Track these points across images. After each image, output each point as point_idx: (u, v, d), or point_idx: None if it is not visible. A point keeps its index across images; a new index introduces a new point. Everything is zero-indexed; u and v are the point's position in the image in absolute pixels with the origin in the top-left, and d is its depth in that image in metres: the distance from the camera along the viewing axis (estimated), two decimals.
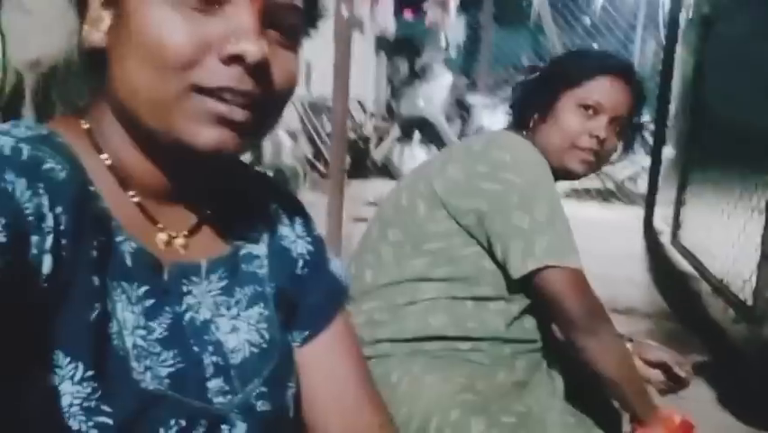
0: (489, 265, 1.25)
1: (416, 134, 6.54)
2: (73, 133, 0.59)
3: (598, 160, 1.32)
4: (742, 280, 2.65)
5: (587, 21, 7.08)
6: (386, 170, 6.48)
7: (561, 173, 1.34)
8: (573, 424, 1.29)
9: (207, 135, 0.55)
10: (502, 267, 1.23)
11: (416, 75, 7.07)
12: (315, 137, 5.74)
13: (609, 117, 1.30)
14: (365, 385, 0.77)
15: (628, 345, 1.35)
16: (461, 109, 6.81)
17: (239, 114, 0.56)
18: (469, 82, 7.79)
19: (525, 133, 1.36)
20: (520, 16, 7.78)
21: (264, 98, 0.57)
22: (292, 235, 0.75)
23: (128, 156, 0.60)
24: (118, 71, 0.57)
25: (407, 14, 8.03)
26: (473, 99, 6.98)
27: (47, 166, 0.53)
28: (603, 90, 1.30)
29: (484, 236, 1.24)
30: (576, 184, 6.39)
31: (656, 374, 1.36)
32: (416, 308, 1.26)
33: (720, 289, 2.95)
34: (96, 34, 0.58)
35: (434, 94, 6.65)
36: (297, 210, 0.77)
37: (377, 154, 6.67)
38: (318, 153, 5.73)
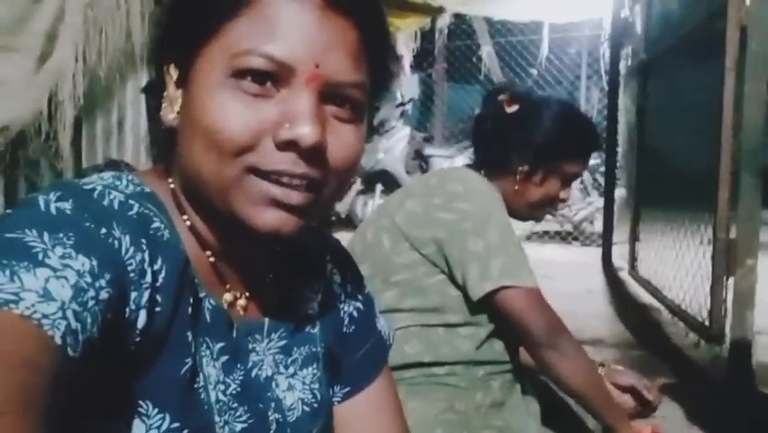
0: (454, 292, 1.30)
1: (378, 186, 6.70)
2: (163, 192, 0.61)
3: None
4: (698, 304, 2.79)
5: (534, 72, 7.44)
6: (349, 222, 6.60)
7: (523, 218, 1.44)
8: None
9: (266, 218, 0.56)
10: (465, 292, 1.28)
11: (375, 130, 7.26)
12: None
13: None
14: None
15: (600, 371, 1.41)
16: (420, 160, 7.01)
17: (295, 197, 0.56)
18: (426, 135, 8.04)
19: (486, 171, 1.41)
20: (471, 71, 8.14)
21: (321, 178, 0.57)
22: (343, 295, 0.76)
23: (198, 221, 0.62)
24: (185, 151, 0.58)
25: None
26: (431, 151, 7.20)
27: (154, 225, 0.55)
28: (585, 165, 1.44)
29: (445, 264, 1.29)
30: (536, 228, 6.61)
31: (627, 399, 1.42)
32: None
33: (679, 314, 3.07)
34: (171, 114, 0.60)
35: (393, 147, 6.83)
36: (349, 269, 0.79)
37: (340, 207, 6.78)
38: None
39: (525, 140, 1.38)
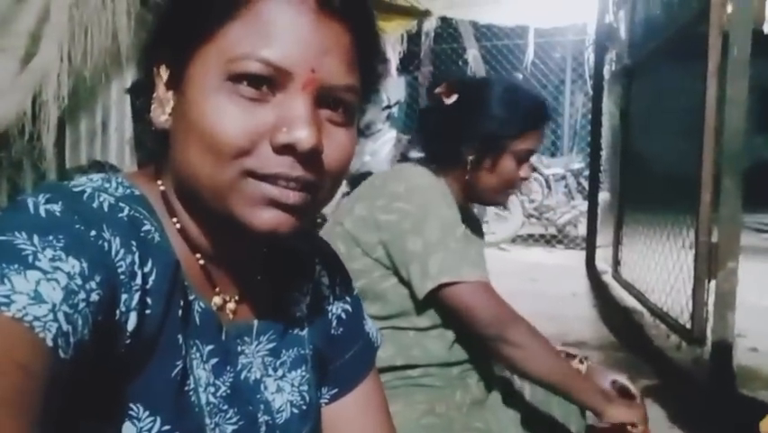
0: (410, 294, 1.27)
1: None
2: (153, 194, 0.61)
3: None
4: (680, 307, 2.82)
5: (519, 76, 7.47)
6: None
7: (487, 203, 1.43)
8: None
9: (263, 218, 0.56)
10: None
11: (361, 132, 7.23)
12: None
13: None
14: None
15: (582, 367, 1.38)
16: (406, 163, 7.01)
17: (292, 197, 0.56)
18: (411, 138, 8.04)
19: (436, 165, 1.37)
20: (457, 74, 8.16)
21: (317, 181, 0.57)
22: (331, 296, 0.76)
23: (189, 223, 0.61)
24: (179, 154, 0.58)
25: None
26: (417, 153, 7.20)
27: (145, 228, 0.56)
28: (537, 139, 1.38)
29: (393, 266, 1.27)
30: (521, 231, 6.66)
31: None
32: None
33: (662, 316, 3.10)
34: (163, 116, 0.59)
35: (379, 150, 6.82)
36: (338, 270, 0.79)
37: (326, 209, 6.76)
38: None
39: (468, 129, 1.35)
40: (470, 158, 1.35)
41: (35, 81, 2.61)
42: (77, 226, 0.49)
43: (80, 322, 0.45)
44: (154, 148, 0.62)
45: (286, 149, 0.54)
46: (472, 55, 6.71)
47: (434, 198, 1.29)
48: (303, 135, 0.54)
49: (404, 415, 1.24)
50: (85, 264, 0.47)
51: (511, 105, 1.36)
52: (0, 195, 2.95)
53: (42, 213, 0.49)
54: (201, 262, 0.62)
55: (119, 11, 2.71)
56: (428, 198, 1.28)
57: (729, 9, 2.41)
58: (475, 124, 1.34)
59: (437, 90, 1.39)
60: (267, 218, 0.56)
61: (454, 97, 1.37)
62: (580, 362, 1.39)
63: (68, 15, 2.62)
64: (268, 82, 0.55)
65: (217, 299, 0.63)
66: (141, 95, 0.62)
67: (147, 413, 0.54)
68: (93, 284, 0.47)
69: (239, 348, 0.64)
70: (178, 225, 0.61)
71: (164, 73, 0.59)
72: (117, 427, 0.53)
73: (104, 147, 3.51)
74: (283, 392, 0.68)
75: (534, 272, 5.09)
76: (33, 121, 2.68)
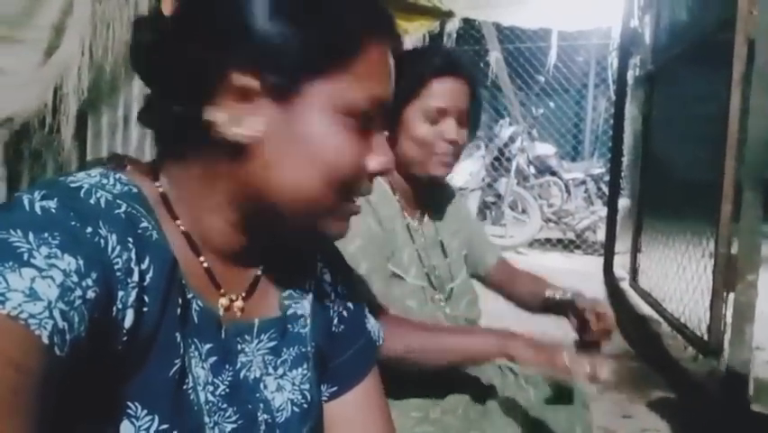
0: None
1: None
2: (152, 194, 0.60)
3: (455, 157, 1.33)
4: (697, 318, 2.77)
5: (541, 80, 7.42)
6: None
7: (425, 180, 1.33)
8: None
9: (342, 228, 0.65)
10: None
11: None
12: None
13: (455, 117, 1.29)
14: None
15: (567, 296, 1.38)
16: None
17: (357, 207, 0.66)
18: None
19: None
20: (478, 76, 8.10)
21: None
22: (333, 294, 0.76)
23: (201, 224, 0.61)
24: (270, 170, 0.58)
25: None
26: None
27: (142, 225, 0.55)
28: (442, 95, 1.27)
29: None
30: (539, 235, 6.60)
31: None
32: None
33: (678, 327, 3.05)
34: (238, 129, 0.56)
35: None
36: (340, 267, 0.79)
37: None
38: None
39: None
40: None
41: (57, 74, 2.64)
42: (73, 223, 0.49)
43: (76, 319, 0.45)
44: (197, 150, 0.60)
45: (376, 173, 0.64)
46: (494, 57, 6.66)
47: (358, 230, 1.19)
48: (389, 161, 0.64)
49: (398, 424, 1.22)
50: (80, 261, 0.47)
51: (400, 65, 1.35)
52: (21, 185, 2.99)
53: (38, 210, 0.49)
54: (205, 265, 0.62)
55: (141, 6, 2.73)
56: (353, 230, 1.25)
57: (755, 12, 2.36)
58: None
59: None
60: (344, 228, 0.65)
61: None
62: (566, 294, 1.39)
63: (90, 10, 2.65)
64: (371, 118, 0.61)
65: (224, 301, 0.64)
66: (182, 97, 0.57)
67: (145, 412, 0.53)
68: (89, 281, 0.47)
69: (239, 346, 0.64)
70: (182, 228, 0.61)
71: (243, 81, 0.56)
72: (115, 425, 0.53)
73: (125, 140, 3.55)
74: (283, 391, 0.67)
75: (551, 277, 5.03)
76: (54, 113, 2.71)
